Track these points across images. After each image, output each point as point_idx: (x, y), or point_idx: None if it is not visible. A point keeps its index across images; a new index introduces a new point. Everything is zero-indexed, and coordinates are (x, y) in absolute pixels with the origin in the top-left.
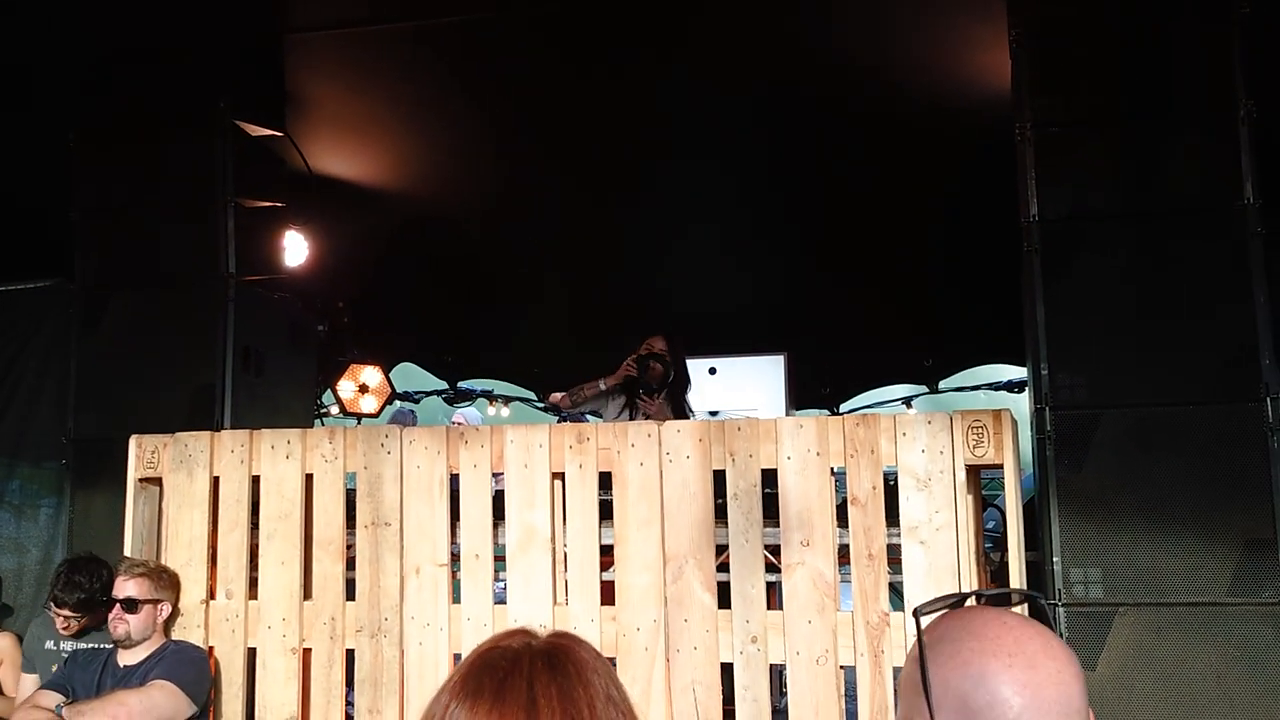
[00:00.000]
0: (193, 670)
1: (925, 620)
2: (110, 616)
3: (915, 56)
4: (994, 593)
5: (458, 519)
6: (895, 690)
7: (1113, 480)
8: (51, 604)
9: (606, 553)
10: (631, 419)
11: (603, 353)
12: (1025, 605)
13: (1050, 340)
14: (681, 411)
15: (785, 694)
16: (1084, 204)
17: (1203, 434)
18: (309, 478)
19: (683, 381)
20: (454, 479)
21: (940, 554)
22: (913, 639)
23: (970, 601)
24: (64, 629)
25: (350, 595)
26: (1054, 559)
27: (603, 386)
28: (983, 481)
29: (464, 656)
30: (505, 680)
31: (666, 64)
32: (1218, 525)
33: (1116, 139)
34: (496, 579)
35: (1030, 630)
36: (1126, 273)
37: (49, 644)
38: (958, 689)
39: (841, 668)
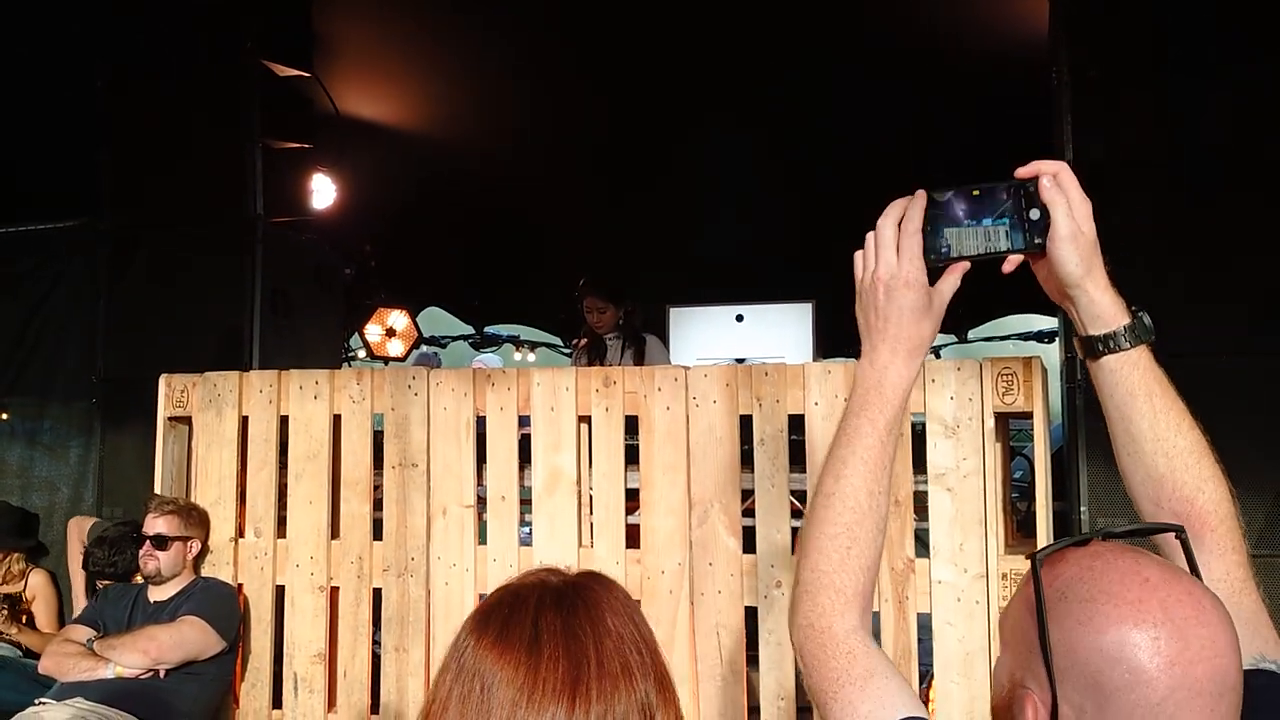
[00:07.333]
0: (222, 606)
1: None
2: (140, 553)
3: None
4: (1126, 530)
5: (484, 461)
6: (998, 627)
7: None
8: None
9: (632, 497)
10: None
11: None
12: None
13: None
14: (640, 345)
15: None
16: (1120, 150)
17: (1235, 385)
18: (337, 418)
19: (633, 321)
20: (480, 421)
21: (966, 501)
22: (937, 584)
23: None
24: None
25: (377, 535)
26: (1082, 508)
27: (579, 346)
28: (1011, 433)
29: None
30: (510, 616)
31: (697, 11)
32: (1248, 477)
33: (1154, 84)
34: (522, 521)
35: (1178, 589)
36: (1161, 220)
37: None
38: (1088, 661)
39: None
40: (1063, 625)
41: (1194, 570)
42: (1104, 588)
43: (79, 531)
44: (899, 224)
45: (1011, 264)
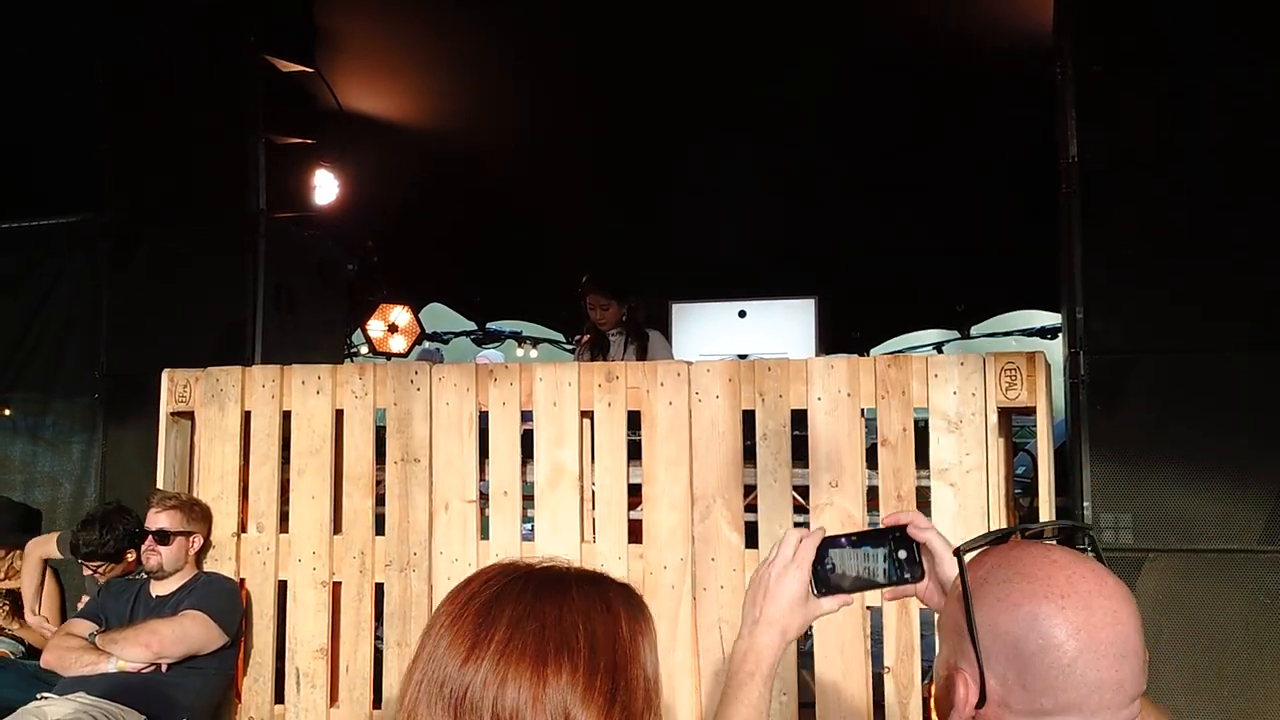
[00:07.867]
0: (224, 601)
1: (968, 559)
2: (143, 548)
3: None
4: (1038, 526)
5: (486, 456)
6: (936, 628)
7: (1146, 426)
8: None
9: (635, 492)
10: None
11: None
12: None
13: (1086, 284)
14: (643, 341)
15: (811, 635)
16: (1124, 146)
17: (1238, 381)
18: (339, 413)
19: (636, 317)
20: (483, 416)
21: (970, 496)
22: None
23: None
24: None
25: (380, 530)
26: (1085, 504)
27: (581, 341)
28: (1014, 428)
29: None
30: (479, 586)
31: (699, 11)
32: (1250, 473)
33: (1157, 83)
34: (525, 516)
35: (1082, 568)
36: (1165, 216)
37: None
38: (1007, 633)
39: (867, 609)
40: (985, 606)
41: (1099, 560)
42: (1018, 570)
43: (41, 550)
44: (800, 540)
45: (891, 594)
